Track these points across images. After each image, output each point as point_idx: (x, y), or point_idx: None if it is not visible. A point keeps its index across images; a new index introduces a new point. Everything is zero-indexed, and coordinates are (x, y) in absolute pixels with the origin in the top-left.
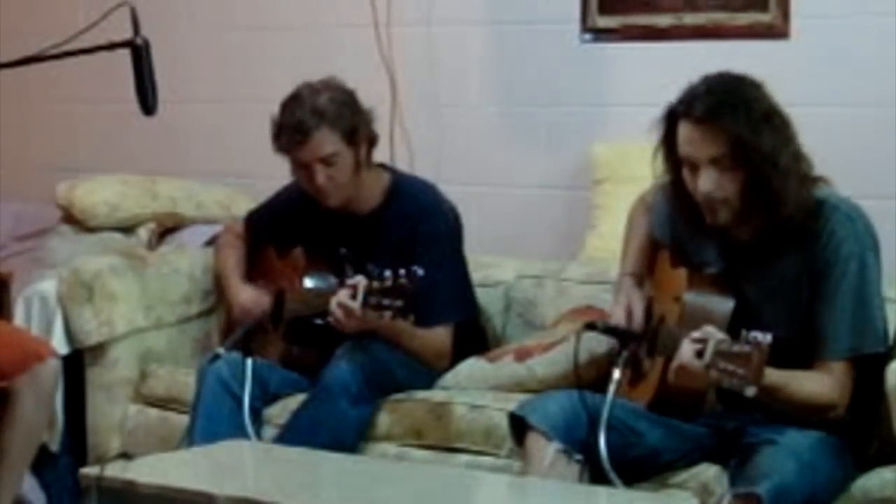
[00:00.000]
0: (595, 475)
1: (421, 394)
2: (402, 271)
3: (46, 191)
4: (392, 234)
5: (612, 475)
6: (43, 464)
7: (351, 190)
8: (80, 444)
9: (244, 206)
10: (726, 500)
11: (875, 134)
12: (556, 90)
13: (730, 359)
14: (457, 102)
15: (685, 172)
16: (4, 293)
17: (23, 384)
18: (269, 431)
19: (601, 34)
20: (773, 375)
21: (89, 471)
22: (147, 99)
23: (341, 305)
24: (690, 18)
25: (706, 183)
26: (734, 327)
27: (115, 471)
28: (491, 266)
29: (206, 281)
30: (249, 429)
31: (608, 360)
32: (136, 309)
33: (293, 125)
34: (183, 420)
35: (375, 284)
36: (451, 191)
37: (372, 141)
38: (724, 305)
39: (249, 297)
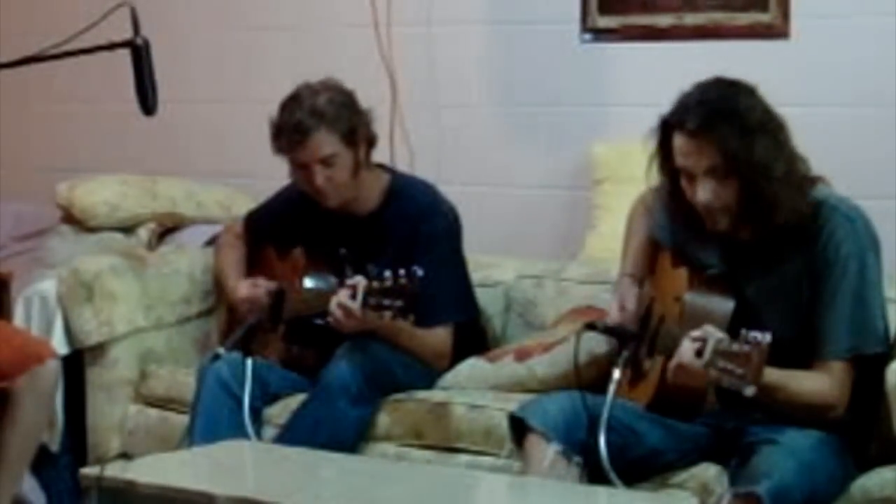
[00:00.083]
0: (594, 477)
1: (421, 394)
2: (401, 272)
3: (46, 191)
4: (392, 235)
5: (612, 475)
6: (43, 464)
7: (350, 191)
8: (80, 444)
9: (244, 206)
10: (726, 500)
11: (875, 134)
12: (556, 90)
13: (729, 358)
14: (457, 102)
15: (683, 182)
16: (4, 293)
17: (22, 385)
18: (269, 431)
19: (601, 34)
20: (773, 375)
21: (89, 471)
22: (147, 99)
23: (341, 306)
24: (690, 18)
25: (704, 193)
26: (734, 327)
27: (115, 471)
28: (491, 266)
29: (206, 281)
30: (249, 429)
31: (608, 360)
32: (136, 309)
33: (292, 126)
34: (183, 420)
35: (375, 285)
36: (451, 191)
37: (371, 142)
38: (724, 306)
39: (248, 289)
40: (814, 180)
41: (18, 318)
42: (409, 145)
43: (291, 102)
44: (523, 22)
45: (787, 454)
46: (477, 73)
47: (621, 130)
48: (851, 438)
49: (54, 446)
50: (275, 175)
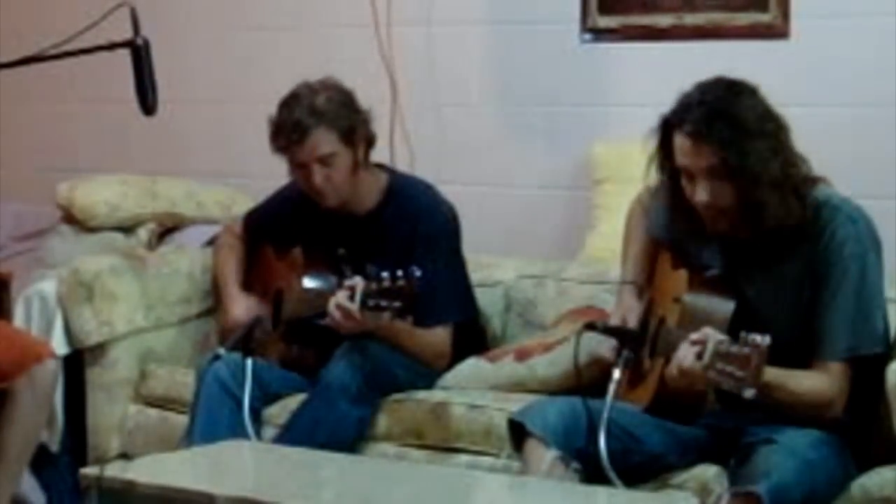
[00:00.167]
0: (593, 482)
1: (421, 394)
2: (399, 272)
3: (46, 191)
4: (391, 235)
5: (612, 475)
6: (43, 464)
7: (348, 190)
8: (80, 444)
9: (244, 206)
10: (725, 500)
11: (875, 134)
12: (556, 90)
13: (729, 360)
14: (457, 102)
15: (684, 181)
16: (4, 293)
17: (21, 384)
18: (269, 431)
19: (601, 34)
20: (771, 373)
21: (89, 471)
22: (147, 99)
23: (339, 307)
24: (690, 18)
25: (703, 194)
26: (734, 329)
27: (115, 471)
28: (491, 266)
29: (206, 281)
30: (249, 429)
31: (608, 361)
32: (136, 309)
33: (291, 125)
34: (183, 420)
35: (373, 286)
36: (451, 191)
37: (370, 141)
38: (724, 307)
39: (242, 310)
40: (815, 181)
41: (18, 318)
42: (409, 145)
43: (290, 101)
44: (523, 22)
45: (786, 454)
46: (477, 73)
47: (621, 130)
48: (851, 438)
49: (54, 446)
50: (274, 175)
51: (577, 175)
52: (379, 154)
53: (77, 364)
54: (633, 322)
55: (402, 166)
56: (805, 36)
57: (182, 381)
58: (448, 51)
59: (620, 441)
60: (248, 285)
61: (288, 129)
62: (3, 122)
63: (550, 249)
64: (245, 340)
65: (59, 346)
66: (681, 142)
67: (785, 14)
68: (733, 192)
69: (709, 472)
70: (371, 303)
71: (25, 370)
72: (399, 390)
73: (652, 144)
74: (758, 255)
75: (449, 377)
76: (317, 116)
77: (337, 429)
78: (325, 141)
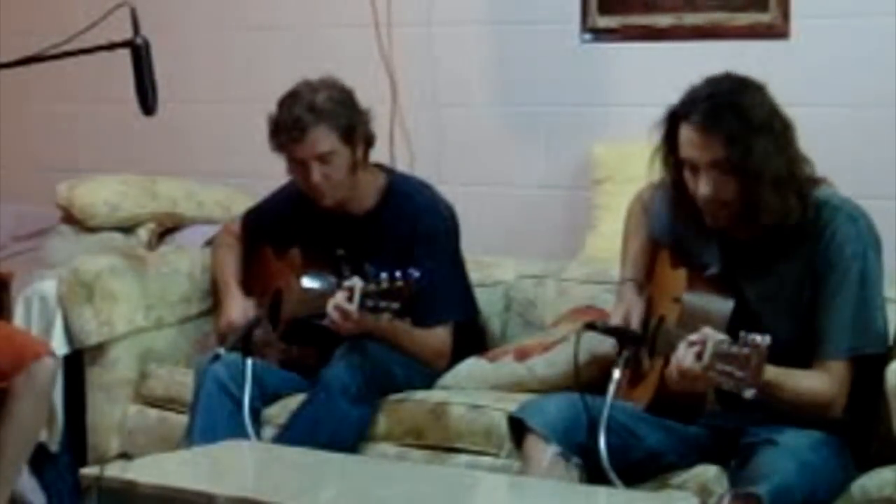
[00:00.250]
0: (594, 479)
1: (420, 394)
2: (397, 273)
3: (46, 191)
4: (389, 235)
5: (612, 474)
6: (43, 464)
7: (347, 189)
8: (80, 444)
9: (244, 206)
10: (726, 501)
11: (875, 134)
12: (556, 90)
13: (728, 360)
14: (457, 102)
15: (686, 174)
16: (4, 293)
17: (20, 383)
18: (269, 431)
19: (601, 34)
20: (771, 372)
21: (89, 471)
22: (147, 99)
23: (338, 308)
24: (690, 18)
25: (706, 186)
26: (733, 328)
27: (115, 471)
28: (491, 266)
29: (206, 281)
30: (249, 429)
31: (608, 361)
32: (136, 309)
33: (290, 122)
34: (182, 420)
35: (371, 287)
36: (451, 191)
37: (369, 141)
38: (723, 306)
39: (239, 312)
40: (817, 181)
41: (18, 318)
42: (409, 145)
43: (290, 99)
44: (523, 22)
45: (787, 455)
46: (477, 73)
47: (621, 130)
48: (851, 438)
49: (54, 446)
50: (274, 175)
51: (577, 175)
52: (379, 154)
53: (77, 364)
54: (636, 318)
55: (402, 166)
56: (805, 36)
57: (182, 381)
58: (448, 51)
59: (620, 437)
60: (246, 285)
61: (287, 127)
62: (3, 122)
63: (550, 249)
64: (245, 340)
65: (59, 346)
66: (687, 133)
67: (785, 14)
68: (736, 187)
69: (709, 473)
70: (370, 304)
71: (24, 368)
72: (399, 390)
73: (657, 137)
74: (757, 254)
75: (449, 377)
76: (316, 114)
77: (337, 429)
78: (324, 139)
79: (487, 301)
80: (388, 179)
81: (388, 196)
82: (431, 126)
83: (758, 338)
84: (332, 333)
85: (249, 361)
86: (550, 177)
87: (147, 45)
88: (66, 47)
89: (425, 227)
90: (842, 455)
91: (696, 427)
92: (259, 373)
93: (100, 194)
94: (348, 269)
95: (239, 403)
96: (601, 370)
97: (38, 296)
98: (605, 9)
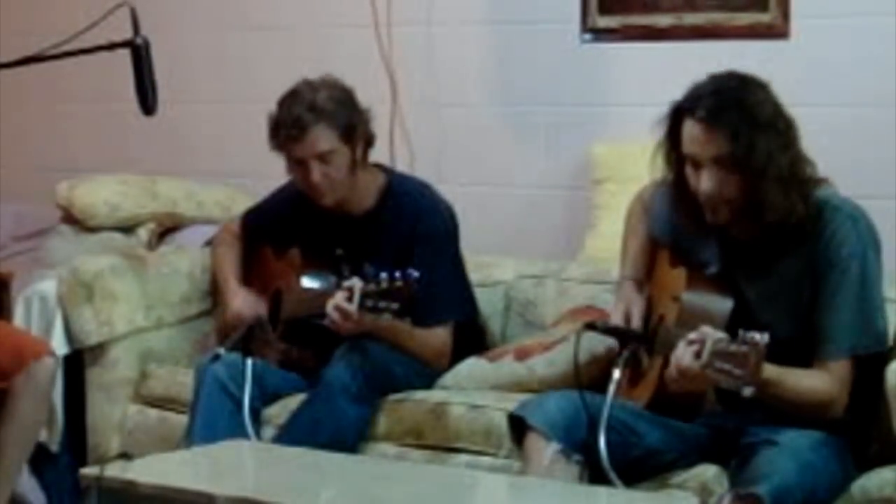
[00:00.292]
0: (594, 476)
1: (420, 394)
2: (397, 273)
3: (46, 191)
4: (389, 235)
5: (612, 475)
6: (43, 464)
7: (346, 189)
8: (80, 444)
9: (244, 206)
10: (726, 501)
11: (875, 134)
12: (556, 90)
13: (727, 359)
14: (457, 102)
15: (688, 170)
16: (4, 293)
17: (20, 383)
18: (269, 431)
19: (601, 34)
20: (770, 371)
21: (89, 471)
22: (147, 99)
23: (338, 308)
24: (690, 18)
25: (708, 182)
26: (733, 327)
27: (115, 471)
28: (491, 266)
29: (206, 281)
30: (249, 429)
31: (608, 361)
32: (136, 309)
33: (290, 121)
34: (182, 420)
35: (371, 287)
36: (451, 191)
37: (369, 140)
38: (722, 305)
39: (244, 302)
40: (818, 182)
41: (18, 318)
42: (409, 145)
43: (290, 98)
44: (523, 22)
45: (787, 455)
46: (477, 73)
47: (621, 130)
48: (851, 439)
49: (54, 446)
50: (274, 175)
51: (577, 175)
52: (379, 154)
53: (77, 364)
54: (637, 314)
55: (402, 166)
56: (805, 36)
57: (182, 381)
58: (448, 51)
59: (620, 434)
60: (246, 285)
61: (287, 126)
62: (3, 122)
63: (550, 249)
64: (245, 340)
65: (59, 346)
66: (691, 128)
67: (785, 14)
68: (738, 183)
69: (709, 473)
70: (369, 304)
71: (24, 368)
72: (399, 390)
73: (660, 132)
74: (757, 253)
75: (449, 377)
76: (316, 113)
77: (337, 428)
78: (324, 138)
79: (487, 301)
80: (388, 179)
81: (388, 196)
82: (431, 126)
83: (756, 336)
84: (332, 333)
85: (249, 361)
86: (550, 177)
87: (147, 45)
88: (66, 47)
89: (425, 227)
90: (842, 455)
91: (696, 426)
92: (259, 373)
93: (100, 194)
94: (348, 269)
95: (239, 403)
96: (601, 370)
97: (38, 296)
98: (605, 9)
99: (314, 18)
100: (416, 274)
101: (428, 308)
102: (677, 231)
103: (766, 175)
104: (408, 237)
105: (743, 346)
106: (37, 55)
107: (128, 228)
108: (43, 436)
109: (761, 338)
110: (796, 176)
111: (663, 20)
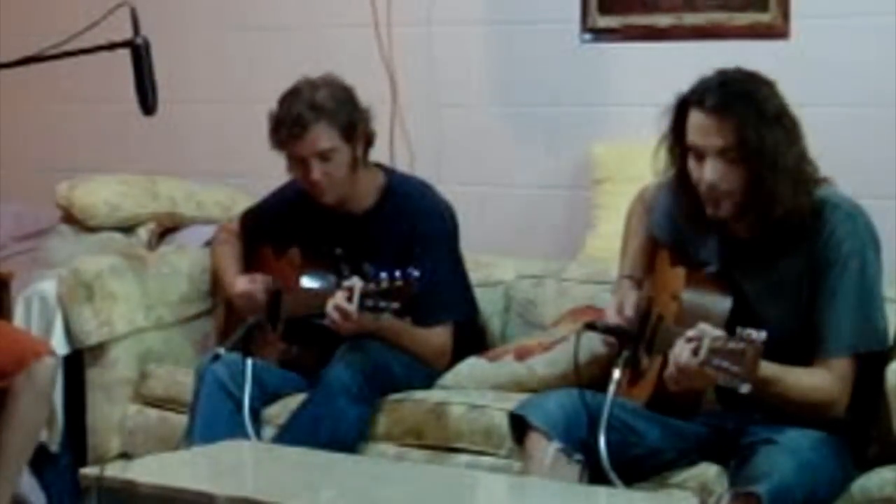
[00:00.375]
0: (595, 475)
1: (420, 394)
2: (397, 273)
3: (46, 191)
4: (388, 234)
5: (612, 475)
6: (43, 464)
7: (346, 187)
8: (80, 444)
9: (244, 206)
10: (726, 500)
11: (875, 134)
12: (556, 90)
13: (724, 356)
14: (457, 102)
15: (691, 162)
16: (4, 293)
17: (20, 383)
18: (269, 431)
19: (601, 34)
20: (768, 369)
21: (89, 471)
22: (147, 99)
23: (338, 308)
24: (690, 18)
25: (711, 173)
26: (732, 326)
27: (115, 471)
28: (491, 266)
29: (206, 281)
30: (249, 429)
31: (608, 360)
32: (136, 309)
33: (291, 119)
34: (183, 420)
35: (371, 287)
36: (451, 191)
37: (369, 139)
38: (722, 304)
39: (246, 284)
40: (820, 181)
41: (18, 318)
42: (409, 145)
43: (291, 96)
44: (523, 22)
45: (786, 454)
46: (477, 73)
47: (621, 130)
48: (851, 438)
49: (54, 446)
50: (274, 175)
51: (577, 175)
52: (378, 154)
53: (77, 364)
54: (629, 307)
55: (402, 166)
56: (805, 36)
57: (182, 381)
58: (448, 51)
59: (620, 433)
60: None
61: (288, 124)
62: (3, 122)
63: (550, 249)
64: (245, 340)
65: (59, 346)
66: (698, 119)
67: (785, 14)
68: (744, 176)
69: (709, 472)
70: (369, 304)
71: (24, 368)
72: (399, 390)
73: (665, 124)
74: (756, 252)
75: (449, 377)
76: (317, 111)
77: (337, 428)
78: (324, 136)
79: (487, 301)
80: (388, 179)
81: (388, 195)
82: (431, 126)
83: (753, 333)
84: (332, 333)
85: (249, 361)
86: (550, 177)
87: (147, 45)
88: (66, 47)
89: (425, 226)
90: (842, 455)
91: (696, 426)
92: (259, 373)
93: (100, 194)
94: (347, 269)
95: (239, 403)
96: (601, 370)
97: (38, 296)
98: (605, 9)
99: (314, 18)
100: (416, 273)
101: (428, 308)
102: (678, 230)
103: (777, 167)
104: (408, 237)
105: (740, 343)
106: (37, 55)
107: (128, 228)
108: (43, 436)
109: (758, 335)
110: (803, 173)
111: (663, 20)
